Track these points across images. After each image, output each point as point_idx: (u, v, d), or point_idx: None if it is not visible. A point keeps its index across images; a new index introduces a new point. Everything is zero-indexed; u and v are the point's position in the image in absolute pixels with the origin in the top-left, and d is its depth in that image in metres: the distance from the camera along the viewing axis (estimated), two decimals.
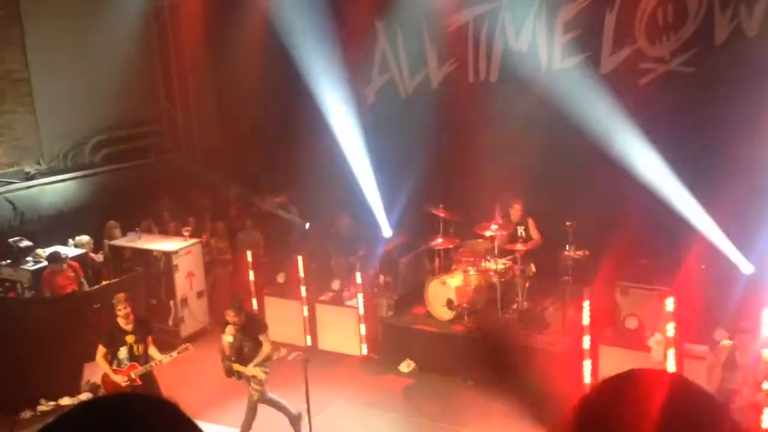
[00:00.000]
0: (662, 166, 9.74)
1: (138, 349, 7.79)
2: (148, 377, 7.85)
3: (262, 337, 7.91)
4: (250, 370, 7.81)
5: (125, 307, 7.74)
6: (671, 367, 8.12)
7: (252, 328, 7.94)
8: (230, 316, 7.81)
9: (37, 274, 9.96)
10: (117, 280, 10.25)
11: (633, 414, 1.08)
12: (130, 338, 7.78)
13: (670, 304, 8.20)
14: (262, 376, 7.82)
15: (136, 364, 7.79)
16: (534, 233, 10.16)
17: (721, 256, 9.18)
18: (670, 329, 8.17)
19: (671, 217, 9.44)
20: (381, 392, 9.32)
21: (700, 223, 9.42)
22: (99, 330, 8.56)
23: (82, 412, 1.08)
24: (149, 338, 7.97)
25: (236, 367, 7.88)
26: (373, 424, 8.28)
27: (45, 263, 10.10)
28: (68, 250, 10.50)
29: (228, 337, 7.86)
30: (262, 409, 7.93)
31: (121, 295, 7.91)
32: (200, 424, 1.14)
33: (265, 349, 7.86)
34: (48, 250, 10.24)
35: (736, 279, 8.80)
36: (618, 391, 1.13)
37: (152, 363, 7.87)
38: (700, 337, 8.38)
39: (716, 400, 1.13)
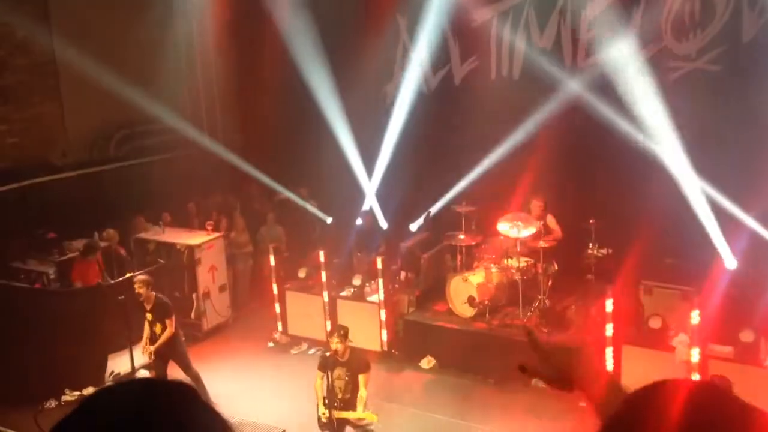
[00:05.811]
0: (688, 165, 9.66)
1: (156, 328, 8.50)
2: (164, 357, 8.51)
3: (362, 378, 6.95)
4: (359, 414, 6.86)
5: (138, 287, 8.42)
6: (695, 367, 8.06)
7: (356, 364, 6.99)
8: (336, 343, 6.88)
9: (62, 265, 10.08)
10: (141, 272, 10.33)
11: (658, 424, 1.07)
12: (149, 316, 8.55)
13: (695, 303, 8.12)
14: (374, 418, 6.93)
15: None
16: (555, 227, 10.07)
17: (747, 256, 9.08)
18: (695, 329, 8.10)
19: (697, 216, 9.36)
20: (401, 388, 9.33)
21: (727, 222, 9.32)
22: (123, 321, 8.68)
23: (101, 399, 1.10)
24: (167, 321, 8.45)
25: (339, 414, 6.92)
26: (392, 420, 8.27)
27: (70, 255, 10.22)
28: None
29: (328, 379, 6.89)
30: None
31: (138, 277, 8.63)
32: None
33: (363, 392, 6.93)
34: (74, 243, 10.36)
35: (763, 279, 8.70)
36: (643, 404, 1.12)
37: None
38: (725, 338, 8.29)
39: (747, 405, 1.10)
